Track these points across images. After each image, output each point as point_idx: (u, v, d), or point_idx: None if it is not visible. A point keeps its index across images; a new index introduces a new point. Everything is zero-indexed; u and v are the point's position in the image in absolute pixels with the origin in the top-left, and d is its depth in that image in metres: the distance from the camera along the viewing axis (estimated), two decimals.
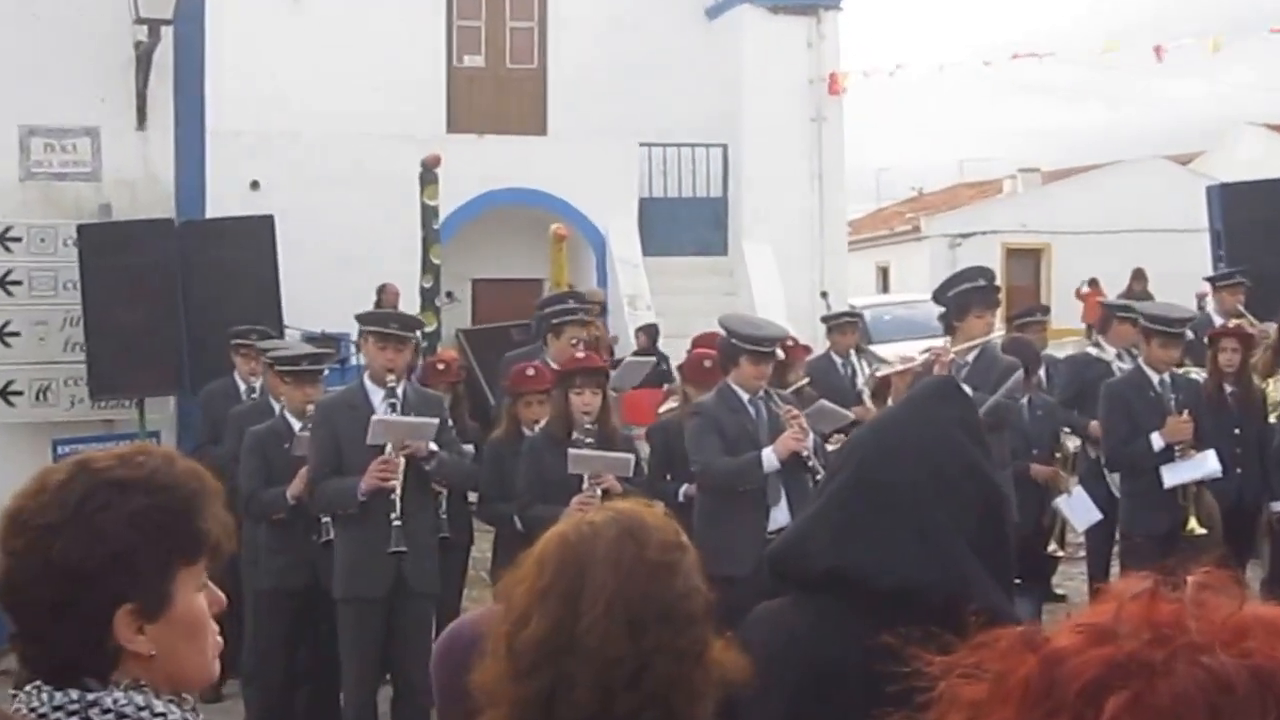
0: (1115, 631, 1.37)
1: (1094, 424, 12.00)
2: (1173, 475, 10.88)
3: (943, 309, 11.26)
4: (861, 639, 3.51)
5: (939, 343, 11.25)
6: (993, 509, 3.71)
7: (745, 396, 9.96)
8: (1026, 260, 44.67)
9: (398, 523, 9.12)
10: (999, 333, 11.83)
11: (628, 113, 26.28)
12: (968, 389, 10.78)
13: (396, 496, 9.14)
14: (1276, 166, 25.63)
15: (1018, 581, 8.78)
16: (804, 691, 3.54)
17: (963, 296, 11.12)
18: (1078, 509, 11.99)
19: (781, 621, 3.71)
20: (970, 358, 11.08)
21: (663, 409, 12.26)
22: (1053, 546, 12.86)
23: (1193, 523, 10.85)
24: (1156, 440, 10.85)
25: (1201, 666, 1.32)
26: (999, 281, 11.97)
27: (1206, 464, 10.98)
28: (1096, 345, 13.31)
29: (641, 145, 26.67)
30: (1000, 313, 13.91)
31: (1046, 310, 15.49)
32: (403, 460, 9.20)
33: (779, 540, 3.80)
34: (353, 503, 9.17)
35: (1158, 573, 1.46)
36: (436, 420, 9.52)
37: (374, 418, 9.26)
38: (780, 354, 11.07)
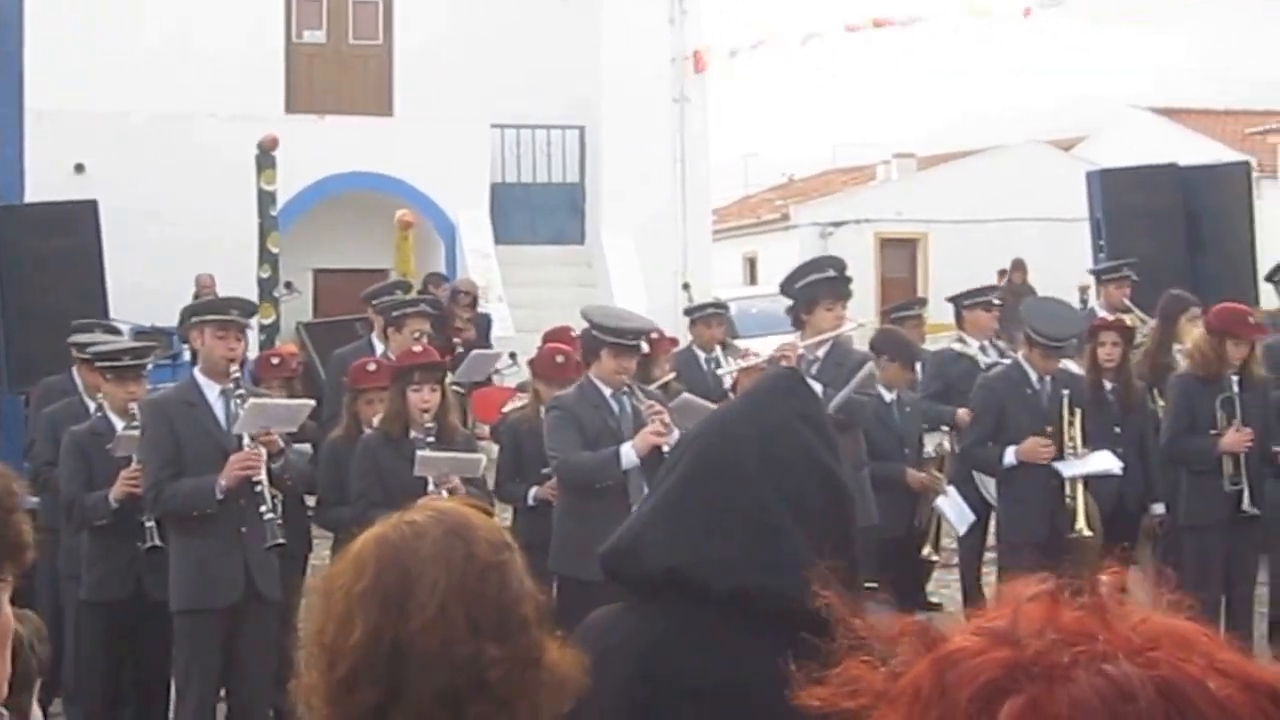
0: (1014, 634, 1.37)
1: (961, 412, 12.07)
2: (1069, 469, 10.98)
3: (791, 302, 11.29)
4: (701, 642, 3.52)
5: (790, 338, 11.30)
6: (838, 506, 3.71)
7: (607, 391, 9.97)
8: (902, 250, 44.99)
9: (270, 515, 9.07)
10: (850, 326, 11.87)
11: (479, 93, 26.21)
12: (817, 386, 10.87)
13: (265, 489, 9.09)
14: (1160, 152, 25.97)
15: (872, 586, 8.83)
16: (640, 699, 3.52)
17: (811, 289, 11.15)
18: (953, 510, 12.07)
19: (617, 626, 3.69)
20: (821, 353, 11.12)
21: (508, 407, 12.23)
22: (927, 550, 12.96)
23: (1081, 523, 10.96)
24: (1009, 456, 10.97)
25: (1104, 675, 1.32)
26: (872, 272, 12.04)
27: (1106, 459, 11.10)
28: (960, 340, 13.40)
29: (494, 127, 26.62)
30: (875, 305, 13.98)
31: (923, 303, 15.58)
32: (264, 452, 9.15)
33: (612, 540, 3.76)
34: (210, 501, 9.08)
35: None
36: (310, 401, 9.48)
37: (251, 401, 9.19)
38: (645, 347, 11.07)
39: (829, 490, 3.71)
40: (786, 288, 11.36)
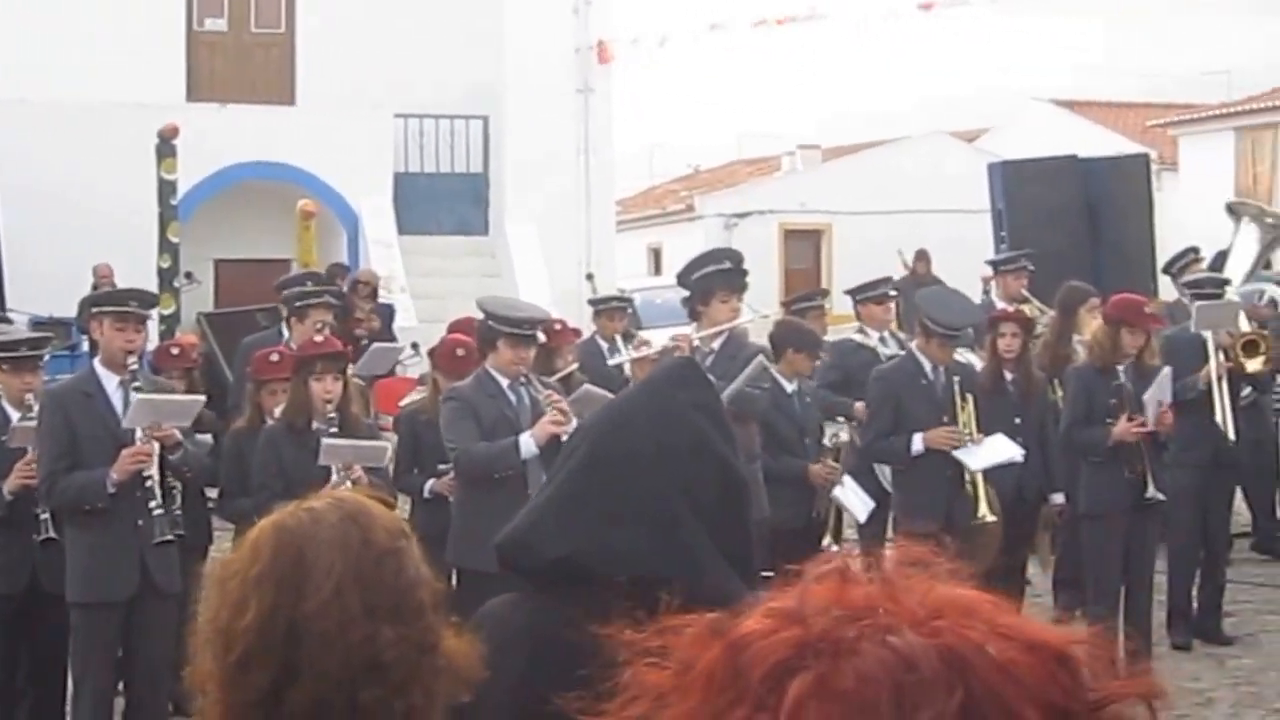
0: (802, 613, 1.39)
1: (859, 405, 12.14)
2: (975, 460, 11.07)
3: (687, 293, 11.34)
4: (593, 633, 3.53)
5: (686, 329, 11.35)
6: (732, 496, 3.73)
7: (504, 381, 9.99)
8: (806, 241, 45.07)
9: (159, 511, 9.04)
10: (747, 318, 11.91)
11: (382, 82, 26.14)
12: (710, 378, 10.92)
13: (155, 483, 9.06)
14: (1063, 144, 26.18)
15: (768, 575, 8.92)
16: (534, 691, 3.53)
17: (707, 280, 11.19)
18: (853, 499, 12.13)
19: (511, 616, 3.70)
20: (716, 345, 11.17)
21: (407, 399, 12.23)
22: (828, 541, 13.02)
23: (984, 509, 11.05)
24: (917, 443, 11.05)
25: (888, 646, 1.34)
26: (776, 263, 12.09)
27: (1004, 445, 11.20)
28: (861, 331, 13.48)
29: (397, 117, 26.54)
30: (778, 296, 14.03)
31: (825, 294, 15.64)
32: (156, 446, 9.10)
33: (507, 530, 3.78)
34: (102, 495, 9.02)
35: (830, 555, 1.48)
36: (202, 398, 9.45)
37: (138, 396, 9.14)
38: (542, 337, 11.10)
39: (725, 480, 3.73)
40: (683, 279, 11.40)
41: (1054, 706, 1.35)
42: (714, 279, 11.16)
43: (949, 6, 24.68)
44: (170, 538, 9.11)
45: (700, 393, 3.84)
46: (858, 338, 13.34)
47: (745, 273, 11.54)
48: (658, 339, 12.13)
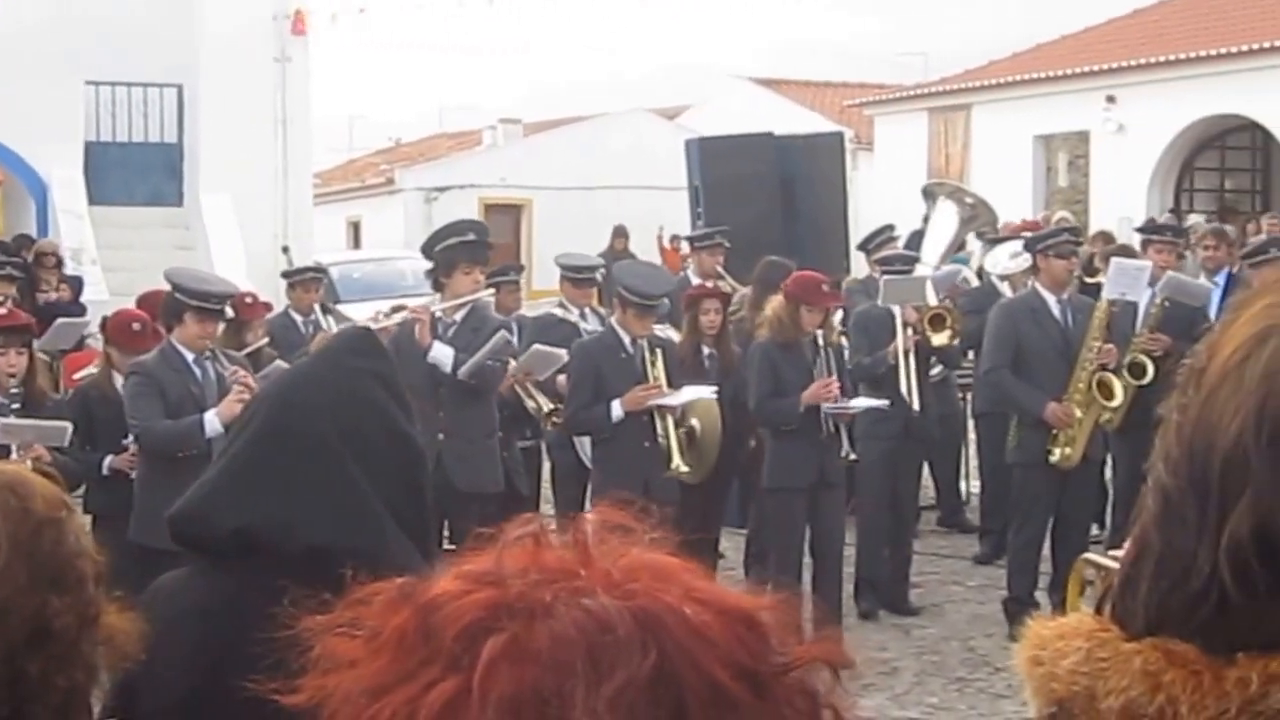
0: (498, 576, 1.40)
1: (561, 378, 12.21)
2: (674, 400, 11.23)
3: (431, 265, 11.36)
4: (272, 604, 3.50)
5: (419, 301, 11.34)
6: (410, 468, 3.73)
7: (190, 356, 9.85)
8: (506, 216, 45.11)
9: None
10: (490, 291, 11.95)
11: (72, 47, 25.52)
12: (448, 350, 10.92)
13: None
14: (762, 122, 26.51)
15: (451, 548, 8.90)
16: (203, 666, 3.50)
17: (450, 252, 11.24)
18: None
19: (183, 591, 3.66)
20: (458, 316, 11.19)
21: (81, 374, 12.01)
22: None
23: (677, 459, 11.22)
24: (616, 409, 11.13)
25: (582, 608, 1.36)
26: None
27: (703, 389, 11.40)
28: (561, 306, 13.55)
29: (88, 84, 26.00)
30: None
31: (520, 269, 15.66)
32: None
33: (180, 503, 3.73)
34: None
35: (529, 519, 1.49)
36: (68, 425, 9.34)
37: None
38: (230, 312, 10.98)
39: (401, 450, 3.73)
40: (426, 250, 11.48)
41: (743, 668, 1.37)
42: (457, 251, 11.20)
43: None
44: None
45: (376, 362, 3.83)
46: (559, 312, 13.40)
47: (488, 245, 11.61)
48: (383, 310, 12.11)
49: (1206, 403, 1.53)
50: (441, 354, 10.99)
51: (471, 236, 11.40)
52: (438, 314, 11.18)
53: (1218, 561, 1.49)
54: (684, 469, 11.23)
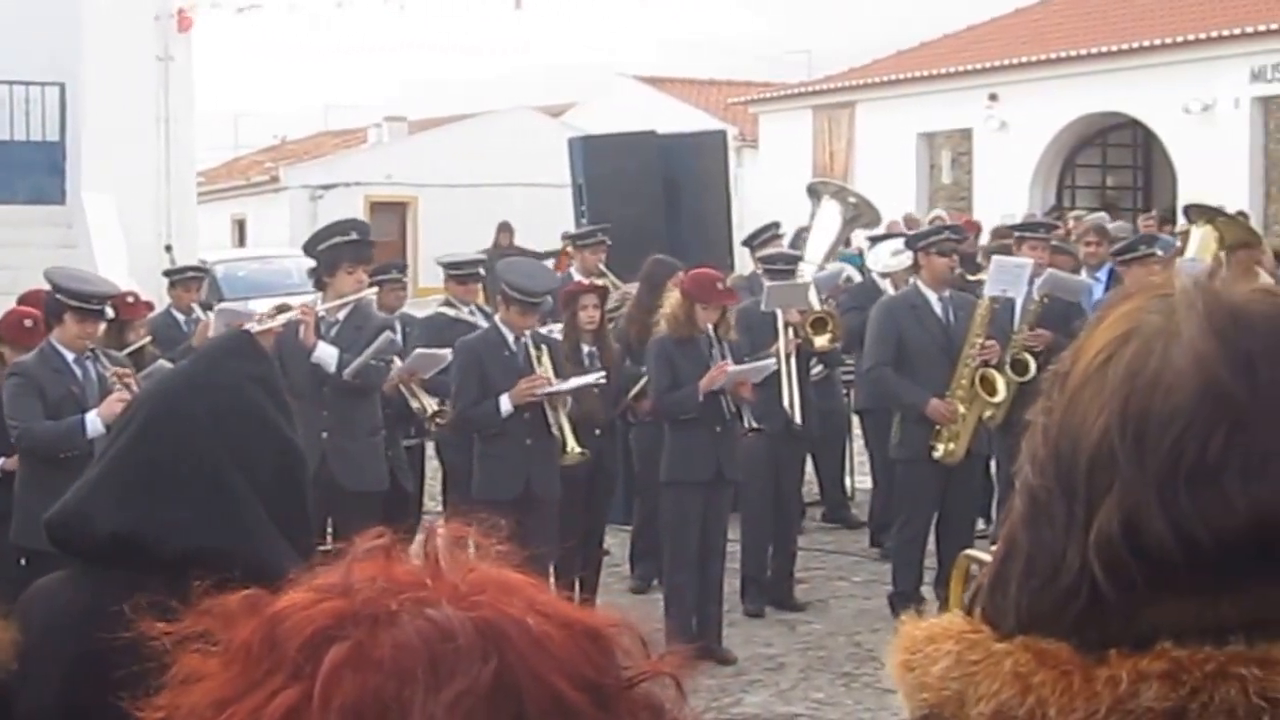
0: (346, 587, 1.41)
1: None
2: (564, 386, 11.27)
3: (314, 264, 11.33)
4: (151, 606, 3.47)
5: (304, 299, 11.30)
6: (289, 471, 3.73)
7: (70, 356, 9.78)
8: (391, 214, 45.01)
9: None
10: (372, 290, 11.93)
11: None
12: (332, 350, 10.88)
13: None
14: (648, 120, 26.56)
15: (326, 549, 8.91)
16: (80, 672, 3.47)
17: (333, 251, 11.24)
18: None
19: (59, 596, 3.64)
20: (341, 315, 11.17)
21: None
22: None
23: (571, 442, 11.24)
24: (504, 403, 11.12)
25: (426, 617, 1.37)
26: None
27: (590, 376, 11.45)
28: (449, 304, 13.54)
29: None
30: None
31: (404, 267, 15.57)
32: None
33: (57, 507, 3.70)
34: None
35: (379, 532, 1.51)
36: None
37: None
38: (111, 312, 10.90)
39: (281, 453, 3.72)
40: (309, 250, 11.47)
41: (585, 680, 1.39)
42: (340, 250, 11.20)
43: None
44: None
45: (256, 365, 3.82)
46: (449, 311, 13.39)
47: (371, 244, 11.62)
48: (268, 309, 12.05)
49: (1071, 404, 1.56)
50: (326, 354, 10.96)
51: (354, 235, 11.39)
52: (321, 313, 11.16)
53: (1087, 558, 1.51)
54: (578, 450, 11.26)
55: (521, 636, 1.38)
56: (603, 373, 11.65)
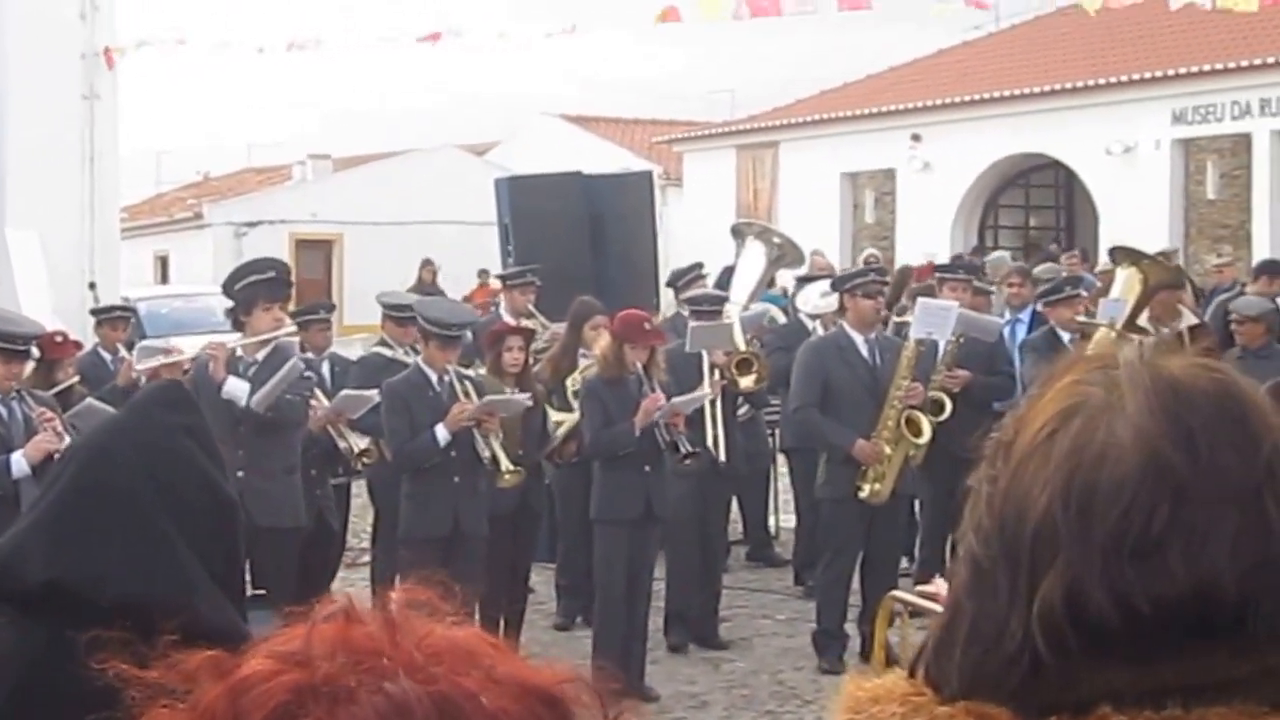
0: (309, 656, 1.41)
1: None
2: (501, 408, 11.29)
3: (232, 303, 11.28)
4: (78, 658, 3.46)
5: (224, 337, 11.25)
6: (221, 519, 3.73)
7: None
8: (316, 251, 44.90)
9: None
10: (291, 328, 11.87)
11: None
12: (243, 384, 10.81)
13: None
14: (573, 158, 26.59)
15: (260, 593, 8.86)
16: (23, 716, 3.47)
17: (249, 290, 11.16)
18: None
19: None
20: (260, 355, 11.12)
21: None
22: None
23: (505, 463, 11.26)
24: (442, 433, 11.09)
25: (384, 693, 1.37)
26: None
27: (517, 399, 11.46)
28: (385, 344, 13.52)
29: None
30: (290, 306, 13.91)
31: (331, 307, 15.47)
32: None
33: None
34: None
35: (337, 597, 1.51)
36: None
37: None
38: (37, 352, 10.83)
39: (213, 501, 3.72)
40: (227, 289, 11.38)
41: None
42: (256, 289, 11.12)
43: (456, 35, 24.78)
44: None
45: (188, 415, 3.81)
46: (386, 352, 13.37)
47: (289, 283, 11.55)
48: (189, 346, 12.00)
49: (1015, 475, 1.58)
50: (236, 388, 10.86)
51: (271, 274, 11.33)
52: (239, 352, 11.10)
53: (1030, 627, 1.54)
54: (514, 470, 11.29)
55: (478, 713, 1.39)
56: (529, 397, 11.66)
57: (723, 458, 12.43)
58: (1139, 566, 1.51)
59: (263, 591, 9.14)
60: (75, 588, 3.52)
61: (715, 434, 12.35)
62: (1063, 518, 1.54)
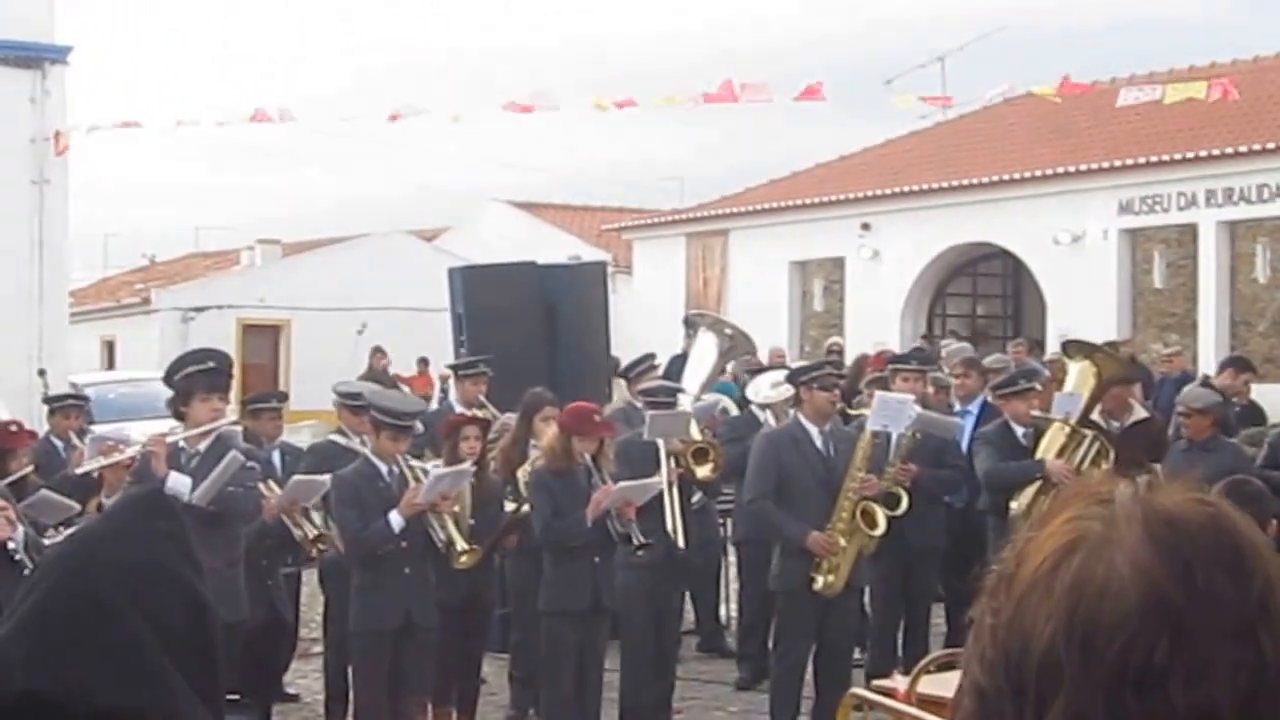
0: None
1: None
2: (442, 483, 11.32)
3: (172, 393, 11.26)
4: None
5: (162, 427, 11.22)
6: (201, 628, 3.73)
7: None
8: (264, 336, 44.84)
9: None
10: (231, 419, 11.85)
11: None
12: (185, 479, 10.77)
13: None
14: (522, 245, 26.70)
15: (234, 698, 8.83)
16: None
17: (188, 380, 11.14)
18: None
19: None
20: (201, 446, 11.08)
21: None
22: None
23: (460, 542, 11.39)
24: (395, 519, 11.10)
25: None
26: (235, 359, 12.04)
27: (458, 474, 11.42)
28: (341, 433, 13.52)
29: None
30: (237, 393, 13.93)
31: (284, 397, 15.42)
32: None
33: None
34: None
35: None
36: None
37: None
38: None
39: (192, 608, 3.72)
40: (168, 379, 11.36)
41: None
42: (195, 379, 11.10)
43: (415, 116, 24.88)
44: None
45: (167, 523, 3.82)
46: (340, 440, 13.37)
47: (229, 374, 11.50)
48: (135, 437, 11.95)
49: (1019, 608, 1.63)
50: (179, 483, 10.80)
51: (210, 364, 11.30)
52: (180, 444, 11.07)
53: None
54: (466, 546, 11.31)
55: None
56: (473, 466, 11.69)
57: (681, 542, 12.43)
58: (1142, 699, 1.55)
59: (237, 697, 9.11)
60: (53, 698, 3.52)
61: (674, 522, 12.37)
62: (1066, 651, 1.58)
